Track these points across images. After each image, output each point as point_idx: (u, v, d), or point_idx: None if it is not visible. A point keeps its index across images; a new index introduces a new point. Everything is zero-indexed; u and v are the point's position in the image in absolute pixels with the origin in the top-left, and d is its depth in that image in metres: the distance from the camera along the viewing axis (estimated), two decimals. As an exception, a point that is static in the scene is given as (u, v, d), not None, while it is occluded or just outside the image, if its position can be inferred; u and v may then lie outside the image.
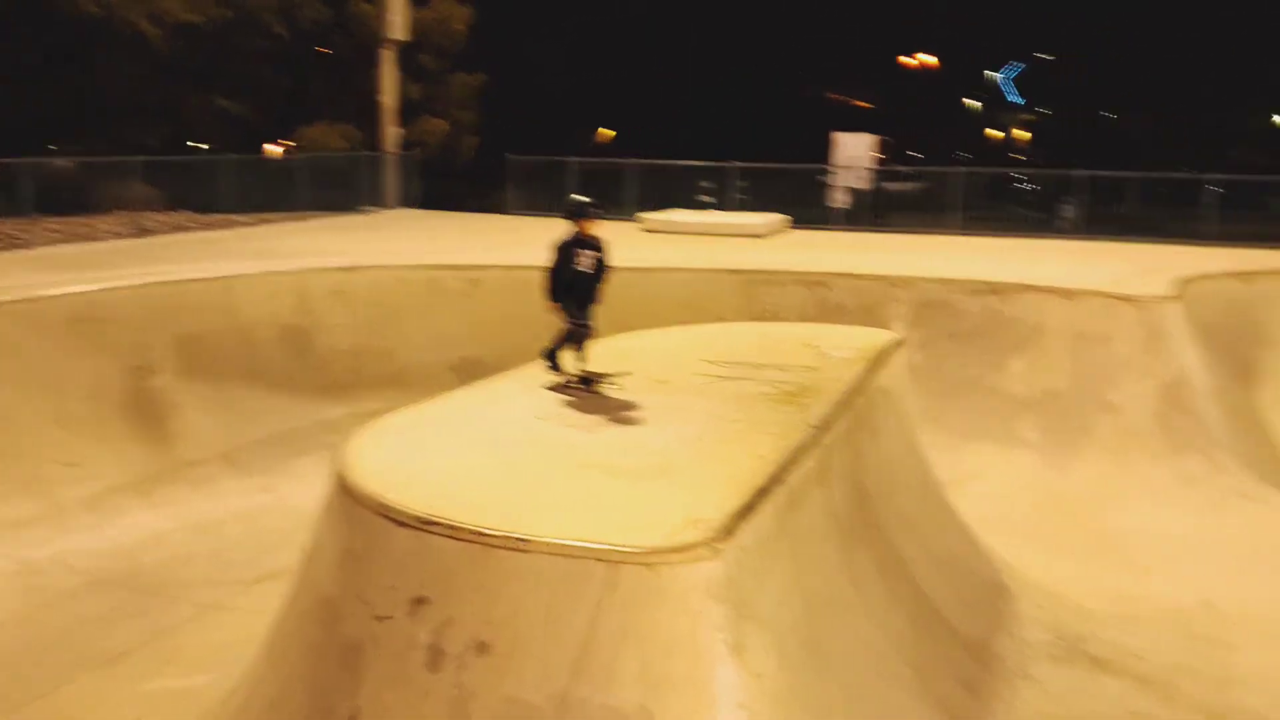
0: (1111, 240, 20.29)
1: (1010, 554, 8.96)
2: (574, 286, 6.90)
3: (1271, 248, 18.99)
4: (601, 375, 7.16)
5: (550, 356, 7.18)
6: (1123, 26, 51.81)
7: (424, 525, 4.62)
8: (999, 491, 11.24)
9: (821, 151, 23.77)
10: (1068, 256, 17.33)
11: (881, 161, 25.92)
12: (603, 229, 7.02)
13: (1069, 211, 21.49)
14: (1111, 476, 11.49)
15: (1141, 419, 11.95)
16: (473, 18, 33.39)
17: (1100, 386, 12.29)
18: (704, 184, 24.38)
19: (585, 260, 6.87)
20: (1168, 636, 8.12)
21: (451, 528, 4.56)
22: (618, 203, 23.00)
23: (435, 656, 4.41)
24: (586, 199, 7.01)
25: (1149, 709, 7.00)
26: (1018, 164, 52.54)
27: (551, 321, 7.08)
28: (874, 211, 23.46)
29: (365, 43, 27.99)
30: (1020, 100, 71.49)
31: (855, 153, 23.37)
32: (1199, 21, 46.46)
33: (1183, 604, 8.80)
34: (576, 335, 7.00)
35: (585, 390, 7.00)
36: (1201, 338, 12.96)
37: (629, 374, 7.44)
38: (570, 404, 6.73)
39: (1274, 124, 59.93)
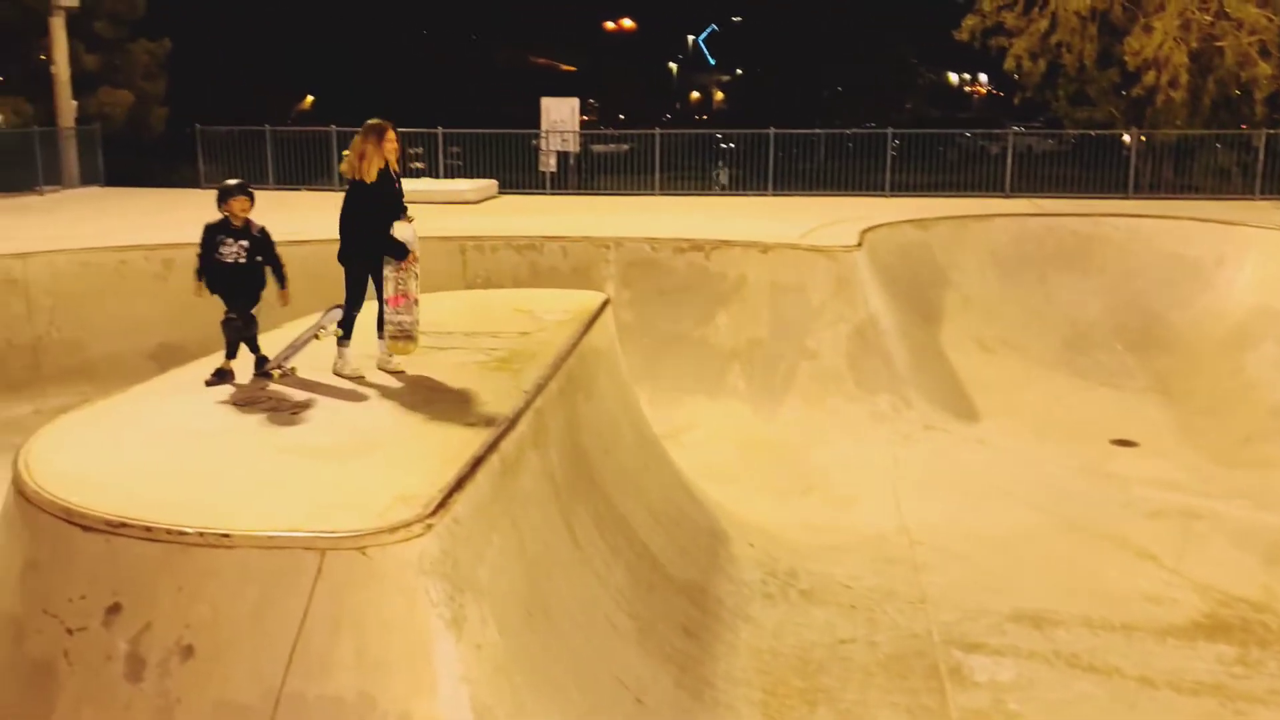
0: (802, 194, 21.47)
1: (726, 499, 9.41)
2: (222, 277, 6.42)
3: (946, 195, 20.75)
4: (267, 364, 6.68)
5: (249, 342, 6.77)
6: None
7: (114, 529, 4.34)
8: (713, 440, 11.75)
9: (533, 117, 23.80)
10: (763, 212, 18.19)
11: (587, 124, 26.19)
12: (250, 212, 6.45)
13: (723, 176, 22.63)
14: (812, 417, 12.26)
15: (836, 362, 12.80)
16: (150, -19, 30.90)
17: (798, 334, 13.05)
18: (415, 150, 23.79)
19: (230, 249, 6.35)
20: (868, 563, 8.73)
21: (146, 529, 4.30)
22: (325, 173, 22.16)
23: (136, 665, 4.16)
24: (233, 181, 6.42)
25: (855, 634, 7.51)
26: (713, 124, 54.71)
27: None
28: (582, 174, 23.74)
29: (34, 10, 25.46)
30: (713, 61, 74.07)
31: (561, 116, 23.54)
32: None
33: (881, 531, 9.50)
34: (229, 328, 6.51)
35: (285, 374, 6.69)
36: (886, 283, 14.00)
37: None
38: (272, 388, 6.47)
39: (948, 80, 65.19)
